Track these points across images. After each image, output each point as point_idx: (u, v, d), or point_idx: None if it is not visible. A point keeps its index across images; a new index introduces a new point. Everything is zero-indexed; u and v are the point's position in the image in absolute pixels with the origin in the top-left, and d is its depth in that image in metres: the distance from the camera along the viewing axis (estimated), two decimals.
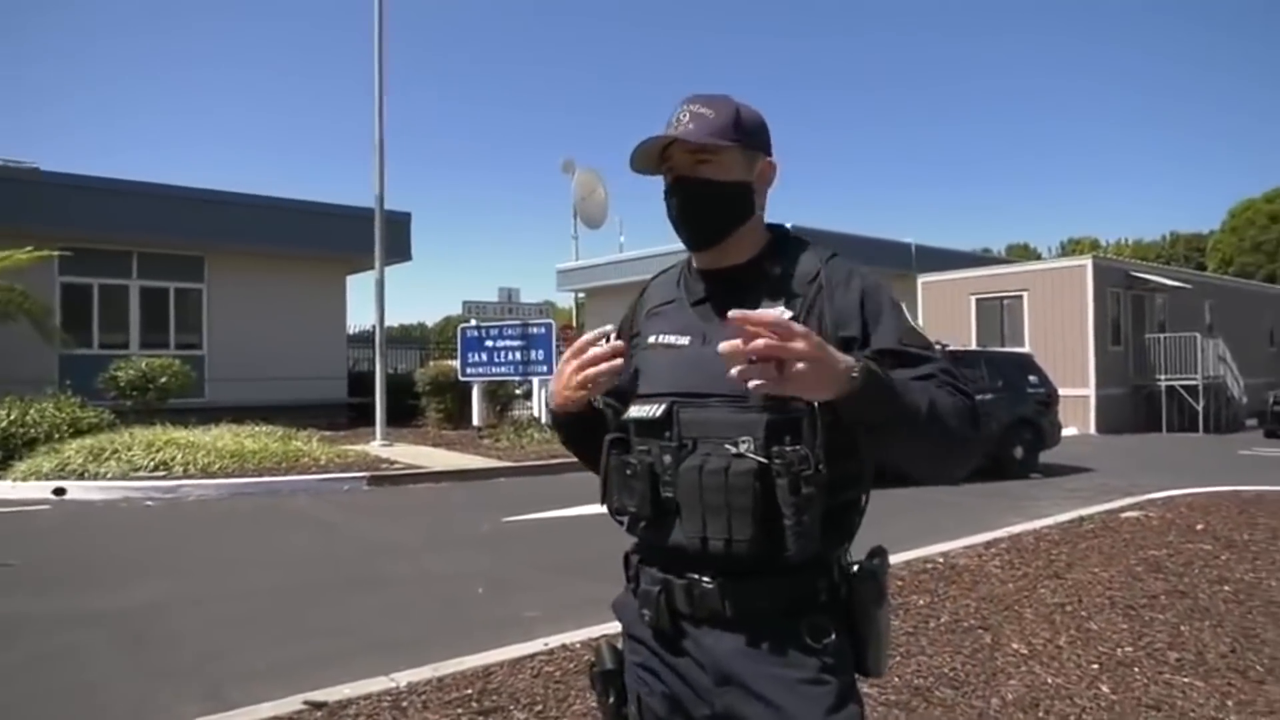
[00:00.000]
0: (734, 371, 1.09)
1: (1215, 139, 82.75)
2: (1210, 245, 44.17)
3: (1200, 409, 18.41)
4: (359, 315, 22.39)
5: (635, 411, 1.35)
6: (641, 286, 1.55)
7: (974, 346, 16.32)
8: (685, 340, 1.36)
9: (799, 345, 1.07)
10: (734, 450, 1.22)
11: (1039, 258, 43.24)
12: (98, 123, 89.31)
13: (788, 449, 1.19)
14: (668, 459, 1.28)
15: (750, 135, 1.37)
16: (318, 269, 17.86)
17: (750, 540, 1.20)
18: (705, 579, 1.28)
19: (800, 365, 1.08)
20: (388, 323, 13.80)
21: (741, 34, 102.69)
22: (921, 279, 21.52)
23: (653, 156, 1.36)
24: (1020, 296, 19.39)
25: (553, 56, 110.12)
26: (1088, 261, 19.21)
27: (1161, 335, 19.53)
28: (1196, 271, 30.40)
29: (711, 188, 1.34)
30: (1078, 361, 17.94)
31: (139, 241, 15.86)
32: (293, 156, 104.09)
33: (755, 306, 1.25)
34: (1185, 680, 3.47)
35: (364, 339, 19.75)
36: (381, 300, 13.39)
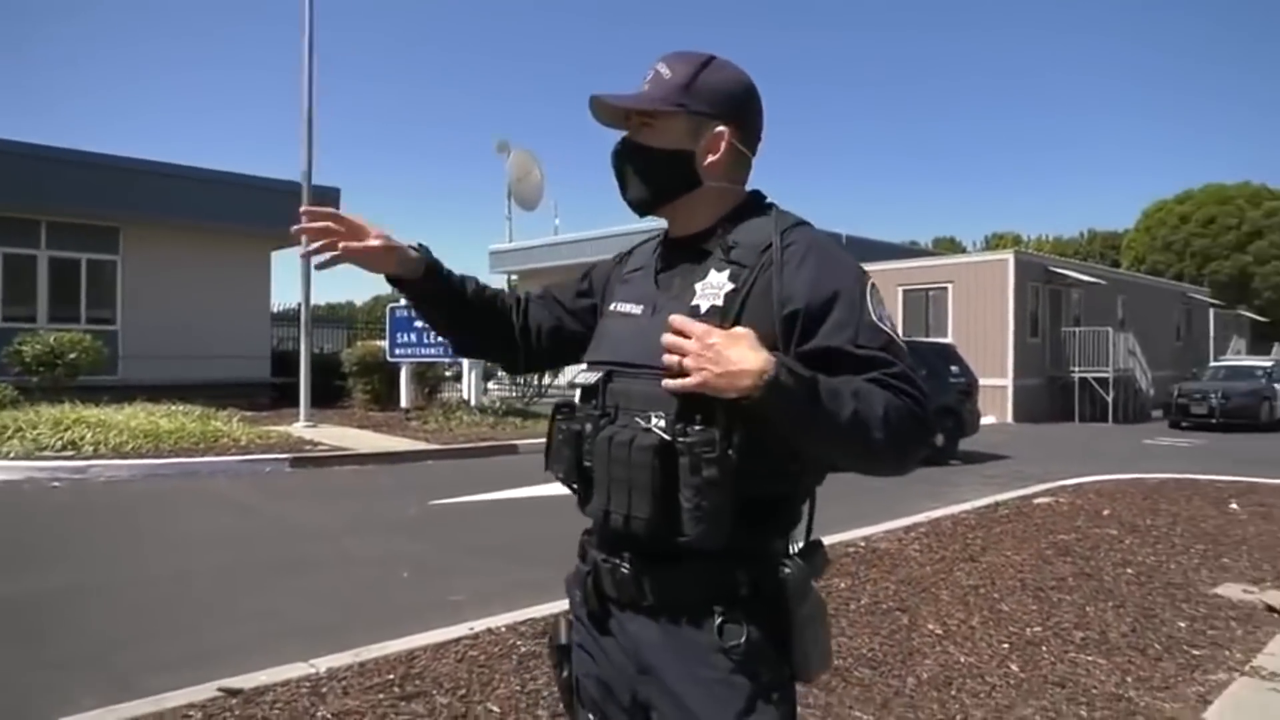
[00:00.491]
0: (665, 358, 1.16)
1: (1132, 141, 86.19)
2: (1125, 243, 45.92)
3: (1110, 400, 19.23)
4: (284, 293, 21.80)
5: (579, 377, 1.35)
6: (629, 247, 1.52)
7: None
8: (638, 309, 1.33)
9: (690, 345, 1.13)
10: (643, 424, 1.19)
11: (964, 251, 44.43)
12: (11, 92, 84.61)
13: (695, 429, 1.15)
14: (589, 427, 1.27)
15: (703, 100, 1.30)
16: (241, 244, 17.24)
17: (647, 519, 1.17)
18: (624, 564, 1.26)
19: (688, 363, 1.13)
20: (315, 301, 13.48)
21: (678, 20, 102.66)
22: None
23: (619, 113, 1.34)
24: (945, 288, 19.92)
25: (488, 36, 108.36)
26: (1010, 256, 19.85)
27: (1076, 329, 20.32)
28: (1111, 268, 31.65)
29: (642, 153, 1.32)
30: (997, 352, 18.53)
31: (49, 210, 15.07)
32: (220, 133, 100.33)
33: (704, 277, 1.27)
34: (1089, 658, 3.63)
35: (289, 317, 19.21)
36: (308, 277, 13.04)
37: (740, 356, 1.11)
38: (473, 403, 13.83)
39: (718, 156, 1.31)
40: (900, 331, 1.26)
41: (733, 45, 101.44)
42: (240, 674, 3.34)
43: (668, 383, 1.15)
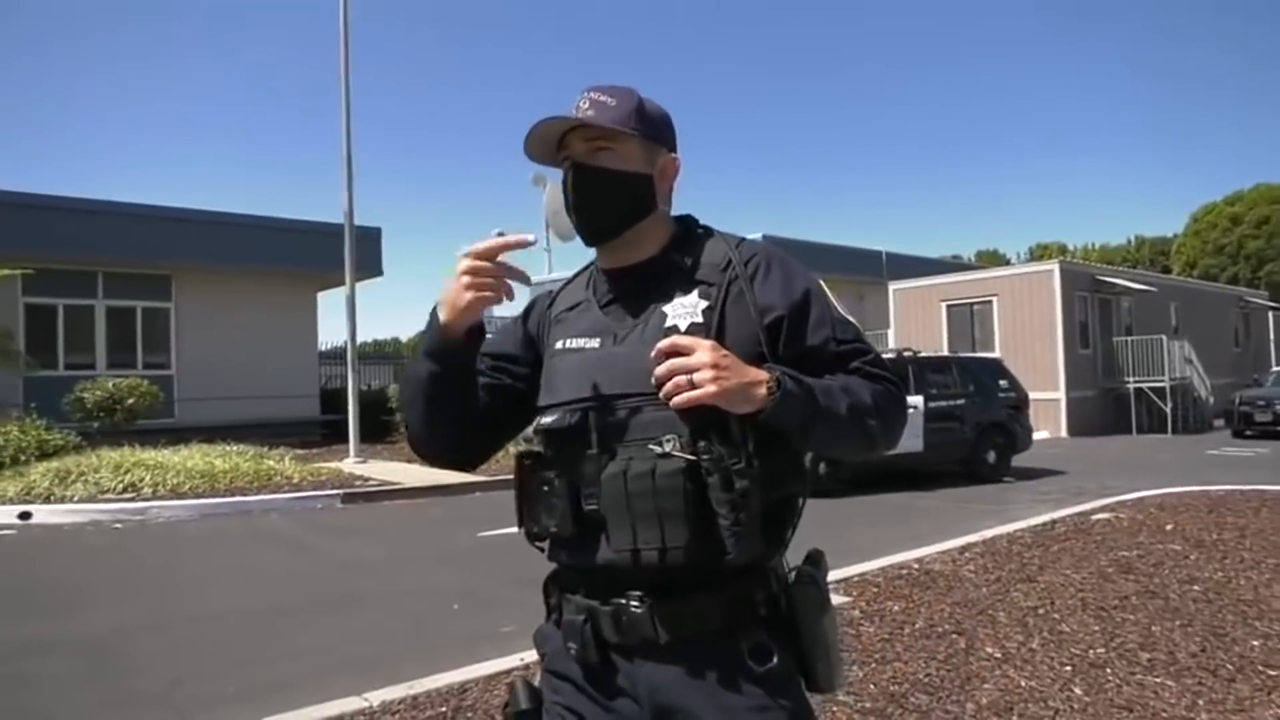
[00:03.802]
0: (662, 392, 1.14)
1: (1175, 144, 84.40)
2: (1174, 248, 44.93)
3: (1169, 410, 18.69)
4: (331, 332, 22.23)
5: (547, 420, 1.26)
6: (547, 292, 1.45)
7: (945, 352, 16.46)
8: (595, 342, 1.27)
9: (701, 359, 1.12)
10: (658, 450, 1.15)
11: (1008, 263, 43.77)
12: (55, 145, 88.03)
13: (716, 444, 1.14)
14: (588, 469, 1.19)
15: (653, 127, 1.31)
16: (288, 286, 17.68)
17: (686, 546, 1.11)
18: (633, 602, 1.18)
19: (702, 376, 1.12)
20: (361, 338, 13.72)
21: (711, 57, 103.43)
22: (893, 286, 21.72)
23: (549, 145, 1.30)
24: (990, 302, 19.61)
25: (521, 70, 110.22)
26: (1055, 266, 19.48)
27: (1129, 338, 19.83)
28: (1162, 274, 30.94)
29: (610, 177, 1.27)
30: (1047, 365, 18.16)
31: (104, 261, 15.62)
32: (263, 177, 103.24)
33: (669, 300, 1.25)
34: (1157, 680, 3.51)
35: (337, 355, 19.55)
36: (353, 316, 13.29)
37: (748, 369, 1.14)
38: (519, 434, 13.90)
39: (670, 182, 1.35)
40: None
41: (771, 66, 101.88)
42: (296, 709, 3.38)
43: (686, 397, 1.12)
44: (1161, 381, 18.83)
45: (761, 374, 1.14)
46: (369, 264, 17.09)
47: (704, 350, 1.13)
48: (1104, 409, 19.28)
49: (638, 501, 1.13)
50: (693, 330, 1.21)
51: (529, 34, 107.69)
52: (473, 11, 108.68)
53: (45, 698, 3.86)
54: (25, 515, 8.81)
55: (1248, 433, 17.10)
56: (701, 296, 1.24)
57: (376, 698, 3.48)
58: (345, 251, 12.95)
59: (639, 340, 1.23)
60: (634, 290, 1.30)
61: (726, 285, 1.25)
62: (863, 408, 1.21)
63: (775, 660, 1.17)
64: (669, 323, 1.23)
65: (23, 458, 10.35)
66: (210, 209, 16.95)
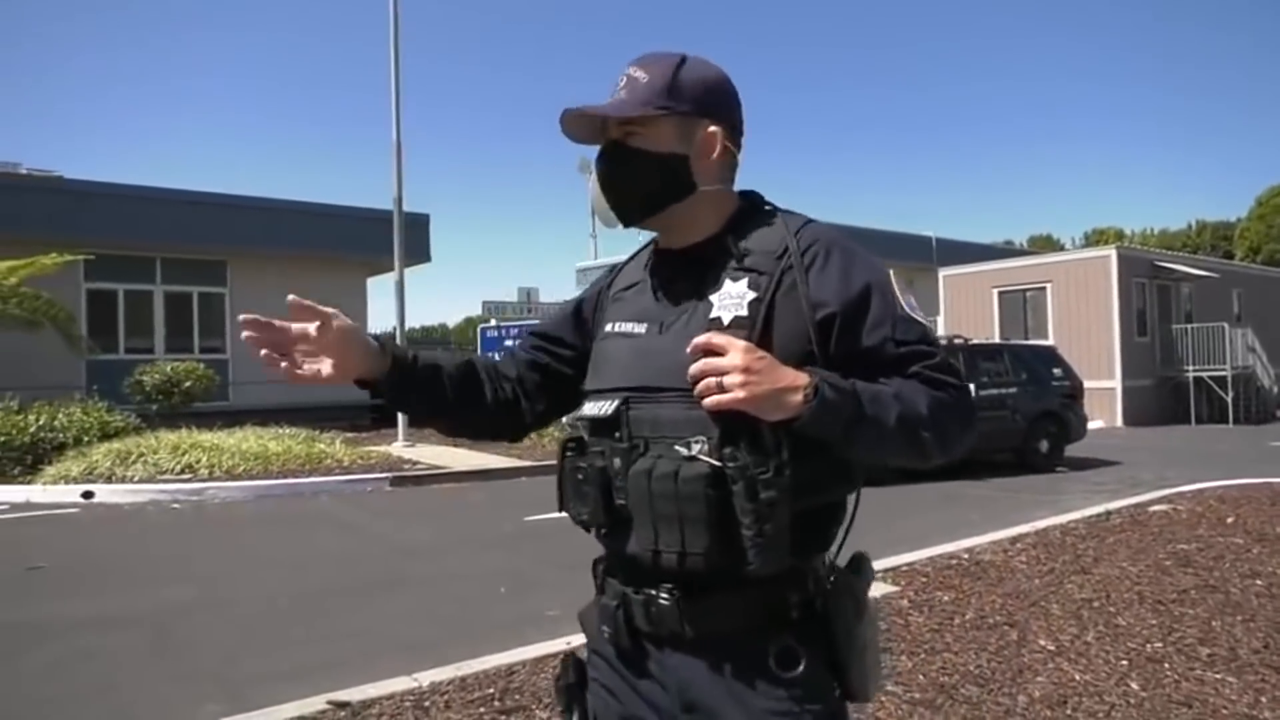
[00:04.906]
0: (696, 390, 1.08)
1: (1241, 126, 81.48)
2: (1238, 233, 43.48)
3: (1229, 400, 18.13)
4: (380, 317, 22.54)
5: (588, 409, 1.24)
6: (610, 268, 1.42)
7: (997, 339, 16.15)
8: (641, 328, 1.23)
9: (733, 361, 1.06)
10: (685, 452, 1.10)
11: (1062, 249, 42.76)
12: (114, 132, 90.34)
13: (744, 450, 1.07)
14: (618, 462, 1.17)
15: (688, 100, 1.22)
16: (338, 271, 17.97)
17: (705, 554, 1.08)
18: (663, 595, 1.16)
19: (732, 380, 1.06)
20: (409, 324, 13.90)
21: (759, 36, 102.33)
22: (943, 272, 21.37)
23: (594, 127, 1.26)
24: (1044, 288, 19.18)
25: (566, 55, 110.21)
26: (1112, 252, 18.97)
27: (1189, 325, 19.25)
28: (1224, 260, 29.95)
29: (637, 158, 1.23)
30: (1103, 353, 17.72)
31: (162, 246, 16.05)
32: (314, 161, 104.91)
33: (717, 288, 1.18)
34: (1217, 676, 3.41)
35: None
36: (402, 301, 13.45)
37: (783, 374, 1.06)
38: (564, 420, 13.97)
39: (713, 157, 1.23)
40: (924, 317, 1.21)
41: (825, 55, 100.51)
42: (347, 687, 3.44)
43: (714, 400, 1.06)
44: (1223, 370, 18.27)
45: (800, 379, 1.06)
46: (418, 250, 17.30)
47: (736, 351, 1.06)
48: (1161, 398, 18.77)
49: (660, 503, 1.10)
50: (736, 324, 1.14)
51: (587, 13, 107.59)
52: None
53: (109, 670, 4.00)
54: (88, 494, 9.11)
55: None
56: (750, 287, 1.16)
57: (426, 678, 3.54)
58: (394, 238, 13.11)
59: (683, 331, 1.16)
60: (685, 275, 1.24)
61: (779, 275, 1.16)
62: (915, 418, 1.10)
63: (802, 666, 1.12)
64: (713, 314, 1.16)
65: (85, 438, 10.68)
66: (264, 195, 17.31)
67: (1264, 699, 3.18)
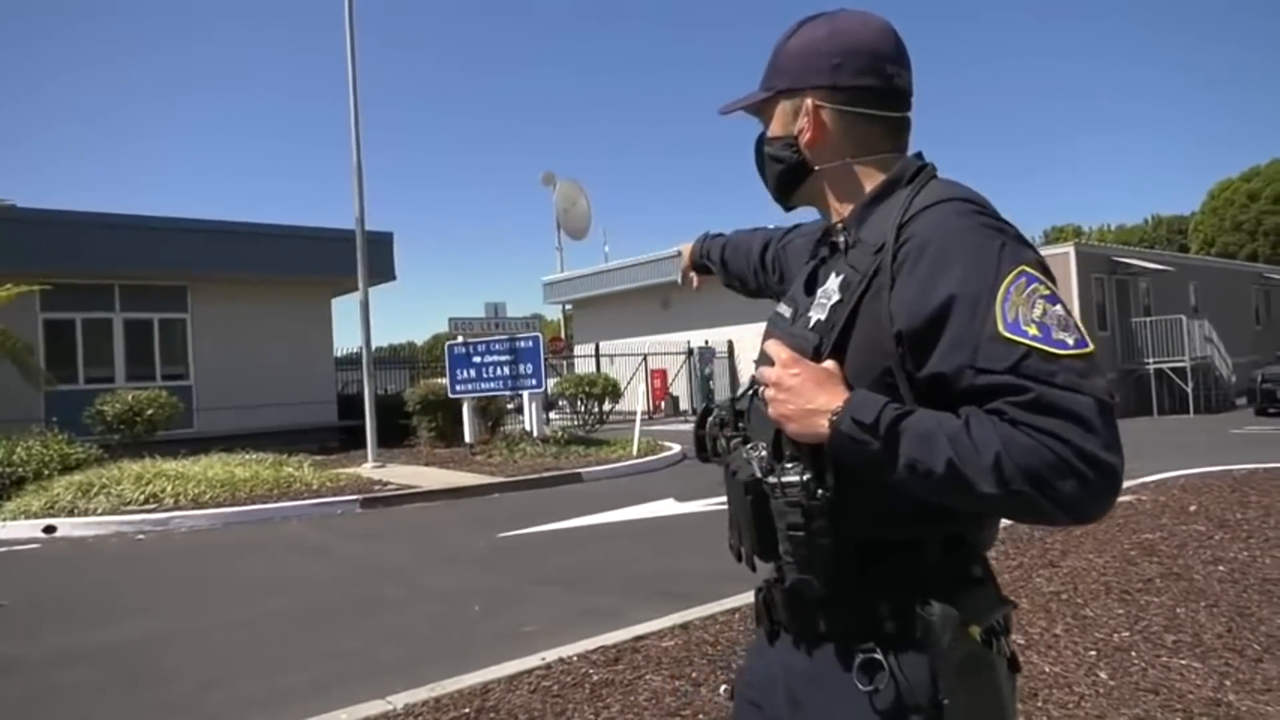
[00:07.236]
0: None
1: (1192, 120, 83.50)
2: (1192, 227, 44.49)
3: (1190, 390, 18.52)
4: (346, 338, 22.36)
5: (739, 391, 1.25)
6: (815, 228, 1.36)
7: None
8: (787, 312, 1.20)
9: (772, 374, 1.05)
10: (747, 455, 1.08)
11: None
12: (68, 159, 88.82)
13: (787, 465, 1.02)
14: (730, 446, 1.19)
15: (785, 75, 1.14)
16: (302, 293, 17.78)
17: (762, 556, 1.08)
18: (779, 587, 1.14)
19: (768, 393, 1.06)
20: (376, 343, 13.79)
21: (721, 34, 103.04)
22: None
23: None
24: None
25: (528, 68, 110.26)
26: (1070, 249, 19.34)
27: (1147, 318, 19.68)
28: (1180, 253, 30.60)
29: (761, 145, 1.22)
30: None
31: (120, 274, 15.75)
32: (272, 183, 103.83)
33: (827, 280, 1.12)
34: (1183, 662, 3.48)
35: (352, 361, 19.66)
36: (367, 321, 13.34)
37: (815, 395, 1.00)
38: (535, 434, 13.93)
39: (810, 132, 1.13)
40: (1070, 329, 0.96)
41: None
42: (320, 713, 3.41)
43: (770, 410, 1.05)
44: (1182, 361, 18.67)
45: (832, 402, 0.98)
46: (382, 269, 17.16)
47: (778, 364, 1.04)
48: (1124, 390, 19.12)
49: (732, 501, 1.11)
50: (818, 328, 1.07)
51: (541, 29, 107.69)
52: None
53: (79, 706, 3.91)
54: (50, 529, 8.90)
55: (1270, 410, 16.95)
56: (840, 287, 1.07)
57: (400, 700, 3.50)
58: (358, 257, 13.01)
59: (801, 326, 1.12)
60: (823, 261, 1.19)
61: (870, 275, 1.03)
62: (972, 469, 0.89)
63: (889, 678, 1.01)
64: (810, 311, 1.11)
65: (46, 472, 10.44)
66: (222, 219, 17.10)
67: (1228, 682, 3.25)
